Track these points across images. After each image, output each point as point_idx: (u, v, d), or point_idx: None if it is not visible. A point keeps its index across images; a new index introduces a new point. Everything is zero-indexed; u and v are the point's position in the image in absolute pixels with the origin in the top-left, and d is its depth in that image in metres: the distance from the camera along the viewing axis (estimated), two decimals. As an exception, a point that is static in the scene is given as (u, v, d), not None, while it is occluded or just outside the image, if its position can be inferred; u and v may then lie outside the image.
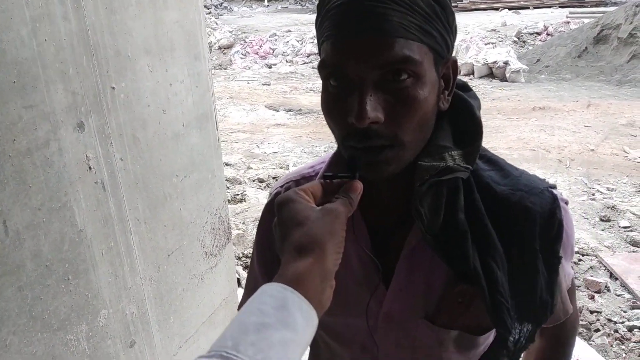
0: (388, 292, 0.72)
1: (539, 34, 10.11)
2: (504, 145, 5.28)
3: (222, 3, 20.14)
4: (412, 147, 0.64)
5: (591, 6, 14.45)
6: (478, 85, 7.94)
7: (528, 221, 0.67)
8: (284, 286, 0.50)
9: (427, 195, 0.66)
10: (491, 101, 7.13)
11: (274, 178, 4.51)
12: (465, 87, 0.72)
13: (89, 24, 1.09)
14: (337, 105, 0.62)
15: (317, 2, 0.68)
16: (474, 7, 14.86)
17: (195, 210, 1.79)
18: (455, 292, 0.69)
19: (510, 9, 13.99)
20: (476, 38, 9.63)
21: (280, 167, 4.78)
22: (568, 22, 11.50)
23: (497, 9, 14.25)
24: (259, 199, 4.05)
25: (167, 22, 1.43)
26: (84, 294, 1.27)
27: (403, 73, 0.59)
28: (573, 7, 14.41)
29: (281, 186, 0.86)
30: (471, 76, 8.33)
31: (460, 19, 12.58)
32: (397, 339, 0.74)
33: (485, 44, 9.03)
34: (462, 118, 0.69)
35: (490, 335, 0.73)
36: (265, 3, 21.63)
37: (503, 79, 7.99)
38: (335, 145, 0.71)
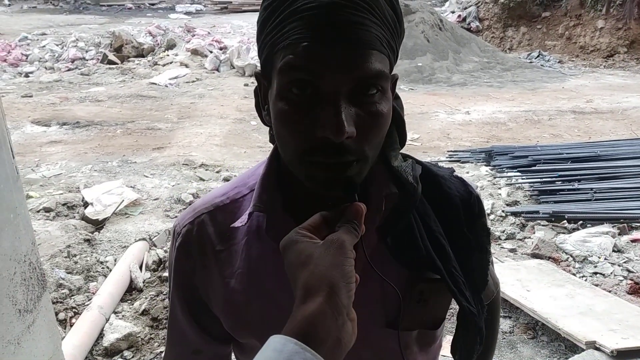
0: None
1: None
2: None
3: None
4: (372, 162, 0.63)
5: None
6: (264, 85, 8.20)
7: (452, 206, 0.72)
8: (287, 338, 0.49)
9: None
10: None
11: (63, 205, 3.92)
12: (395, 96, 0.72)
13: None
14: (301, 117, 0.57)
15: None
16: (243, 8, 15.29)
17: (-1, 261, 1.43)
18: (415, 293, 0.70)
19: (277, 11, 14.81)
20: (253, 39, 9.92)
21: (70, 191, 4.17)
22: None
23: (265, 11, 14.92)
24: (50, 232, 3.47)
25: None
26: None
27: (373, 88, 0.58)
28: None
29: (191, 222, 0.75)
30: (255, 76, 8.57)
31: (234, 20, 12.82)
32: (360, 355, 0.70)
33: (264, 45, 9.37)
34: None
35: (443, 328, 0.77)
36: (6, 2, 18.54)
37: (285, 77, 8.43)
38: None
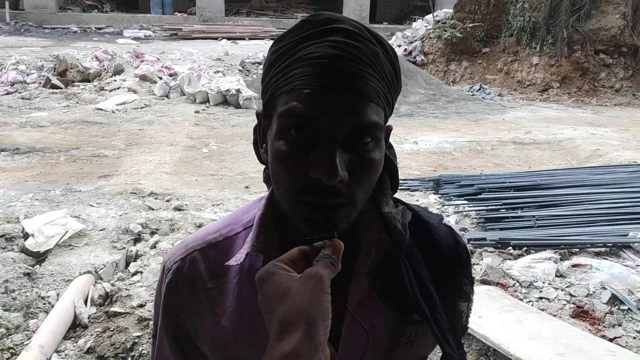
0: (338, 356, 0.70)
1: (260, 63, 11.01)
2: (253, 169, 5.54)
3: None
4: (361, 207, 0.65)
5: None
6: (216, 113, 8.13)
7: (440, 254, 0.74)
8: None
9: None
10: (232, 127, 7.40)
11: (1, 236, 3.69)
12: (388, 145, 0.75)
13: None
14: (296, 157, 0.60)
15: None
16: (194, 35, 15.23)
17: None
18: (403, 335, 0.71)
19: (228, 39, 14.84)
20: (204, 66, 9.88)
21: (8, 222, 3.93)
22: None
23: (216, 38, 14.93)
24: (-13, 265, 3.25)
25: None
26: None
27: (367, 136, 0.61)
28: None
29: (182, 258, 0.75)
30: (207, 104, 8.49)
31: (184, 47, 12.74)
32: None
33: (215, 73, 9.34)
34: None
35: None
36: (-62, 21, 17.57)
37: (237, 105, 8.40)
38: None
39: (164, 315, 0.77)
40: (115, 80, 9.62)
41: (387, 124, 0.69)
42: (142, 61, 10.54)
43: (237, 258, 0.72)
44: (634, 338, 2.85)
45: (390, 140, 0.78)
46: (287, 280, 0.54)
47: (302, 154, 0.60)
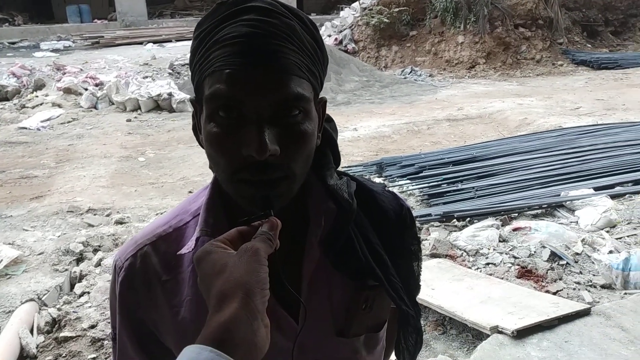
0: (299, 325, 0.71)
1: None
2: (195, 172, 5.43)
3: None
4: (301, 179, 0.66)
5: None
6: (149, 119, 7.88)
7: (386, 219, 0.77)
8: (201, 347, 0.49)
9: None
10: (167, 133, 7.19)
11: None
12: (328, 119, 0.77)
13: None
14: (228, 138, 0.61)
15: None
16: (117, 42, 14.63)
17: None
18: (361, 301, 0.73)
19: (154, 42, 14.36)
20: (131, 73, 9.53)
21: None
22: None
23: (141, 43, 14.41)
24: None
25: None
26: None
27: (295, 109, 0.62)
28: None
29: (133, 254, 0.74)
30: (139, 111, 8.20)
31: (108, 55, 12.23)
32: None
33: (144, 78, 9.03)
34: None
35: (385, 330, 0.82)
36: None
37: (171, 110, 8.17)
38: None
39: (121, 315, 0.76)
40: (37, 96, 9.11)
41: (320, 96, 0.70)
42: (65, 73, 10.02)
43: (188, 246, 0.72)
44: (574, 289, 3.04)
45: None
46: (224, 257, 0.55)
47: (233, 134, 0.61)
